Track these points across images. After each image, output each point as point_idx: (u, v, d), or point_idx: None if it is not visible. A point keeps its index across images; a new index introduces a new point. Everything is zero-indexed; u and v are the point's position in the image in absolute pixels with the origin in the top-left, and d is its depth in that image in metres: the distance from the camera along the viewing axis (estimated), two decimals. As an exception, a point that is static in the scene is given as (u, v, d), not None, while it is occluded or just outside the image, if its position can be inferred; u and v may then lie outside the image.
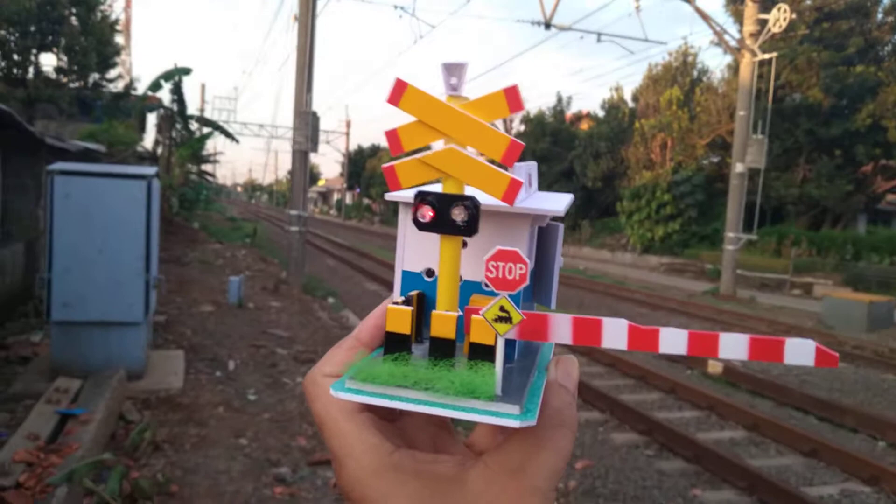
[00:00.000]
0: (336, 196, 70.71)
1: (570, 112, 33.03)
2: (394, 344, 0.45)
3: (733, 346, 0.41)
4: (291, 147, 12.72)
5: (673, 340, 0.42)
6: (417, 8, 14.20)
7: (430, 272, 0.52)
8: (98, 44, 17.12)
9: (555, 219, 0.54)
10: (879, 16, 22.41)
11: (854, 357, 9.66)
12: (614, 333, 0.43)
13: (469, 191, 0.45)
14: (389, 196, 0.50)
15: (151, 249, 5.45)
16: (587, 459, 5.37)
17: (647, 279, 20.10)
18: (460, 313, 0.46)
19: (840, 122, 21.14)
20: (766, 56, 15.01)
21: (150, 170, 5.65)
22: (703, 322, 12.20)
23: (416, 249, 0.53)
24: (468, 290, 0.50)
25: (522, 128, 32.88)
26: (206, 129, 21.66)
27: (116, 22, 18.96)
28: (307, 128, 12.15)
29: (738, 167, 15.90)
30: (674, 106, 24.77)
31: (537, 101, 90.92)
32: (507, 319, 0.41)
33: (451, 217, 0.44)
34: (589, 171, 27.90)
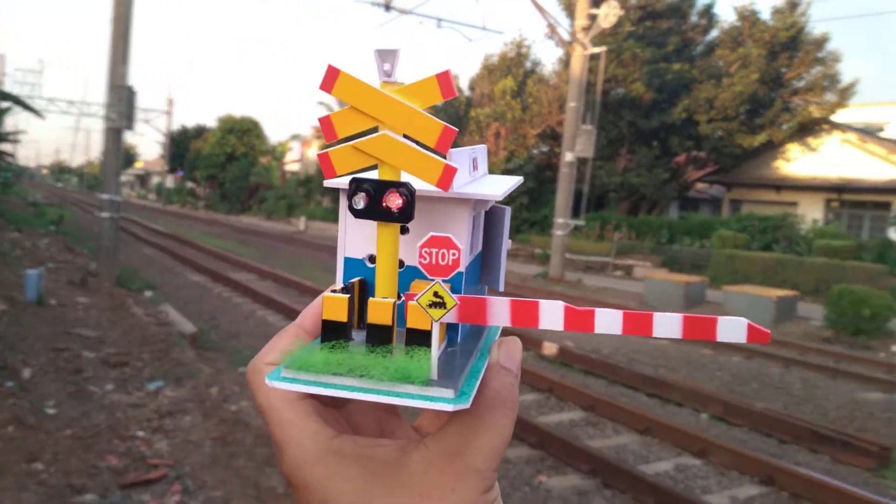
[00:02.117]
0: (156, 179, 66.30)
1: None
2: (331, 332, 0.46)
3: (668, 325, 0.42)
4: (104, 125, 11.49)
5: (608, 321, 0.43)
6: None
7: (372, 258, 0.52)
8: None
9: (503, 201, 0.54)
10: (694, 18, 24.24)
11: (675, 335, 10.27)
12: (551, 315, 0.44)
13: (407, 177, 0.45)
14: (327, 183, 0.50)
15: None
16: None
17: (482, 264, 20.46)
18: (400, 299, 0.47)
19: (658, 116, 22.66)
20: (596, 50, 15.63)
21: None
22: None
23: (358, 236, 0.52)
24: (411, 275, 0.50)
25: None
26: (3, 104, 19.24)
27: None
28: (122, 103, 11.00)
29: (568, 156, 16.48)
30: (507, 96, 25.40)
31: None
32: (442, 305, 0.42)
33: (385, 204, 0.44)
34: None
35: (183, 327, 8.08)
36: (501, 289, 0.57)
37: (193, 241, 20.83)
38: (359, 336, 0.47)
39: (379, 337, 0.44)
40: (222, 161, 43.20)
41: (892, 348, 10.20)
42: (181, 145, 51.04)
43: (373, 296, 0.46)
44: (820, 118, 22.55)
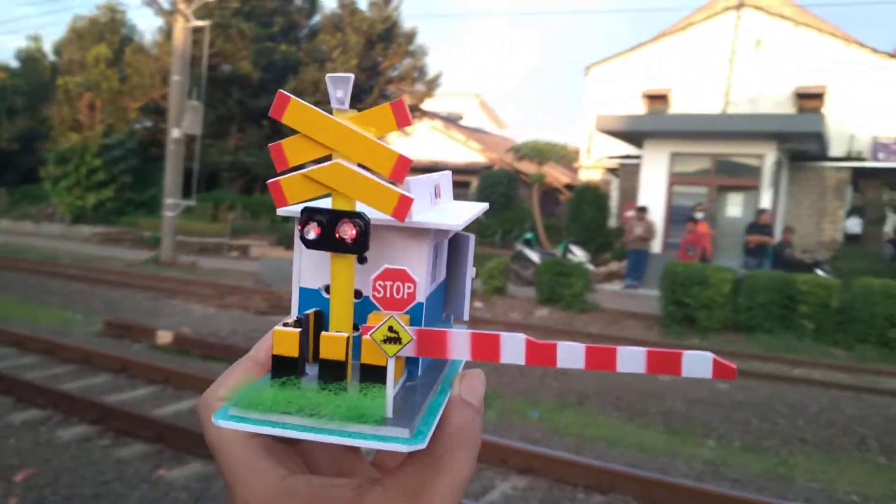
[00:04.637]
0: None
1: (-28, 59, 27.94)
2: (281, 368, 0.43)
3: (631, 360, 0.41)
4: None
5: (571, 354, 0.42)
6: None
7: (329, 288, 0.48)
8: None
9: (466, 229, 0.53)
10: (298, 1, 24.81)
11: (292, 311, 10.57)
12: (512, 348, 0.42)
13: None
14: (279, 212, 0.46)
15: None
16: (29, 468, 4.59)
17: (81, 251, 18.46)
18: (357, 332, 0.45)
19: (268, 95, 22.77)
20: (200, 23, 15.08)
21: None
22: (146, 291, 11.79)
23: (314, 265, 0.49)
24: (370, 307, 0.46)
25: None
26: None
27: None
28: None
29: (175, 133, 15.72)
30: (101, 64, 23.08)
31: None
32: (397, 340, 0.40)
33: (339, 234, 0.42)
34: (3, 129, 24.13)
35: None
36: (466, 318, 0.57)
37: None
38: (314, 371, 0.45)
39: (332, 373, 0.42)
40: None
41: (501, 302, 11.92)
42: None
43: (328, 329, 0.44)
44: (411, 106, 25.06)
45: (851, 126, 19.07)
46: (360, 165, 0.44)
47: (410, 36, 24.97)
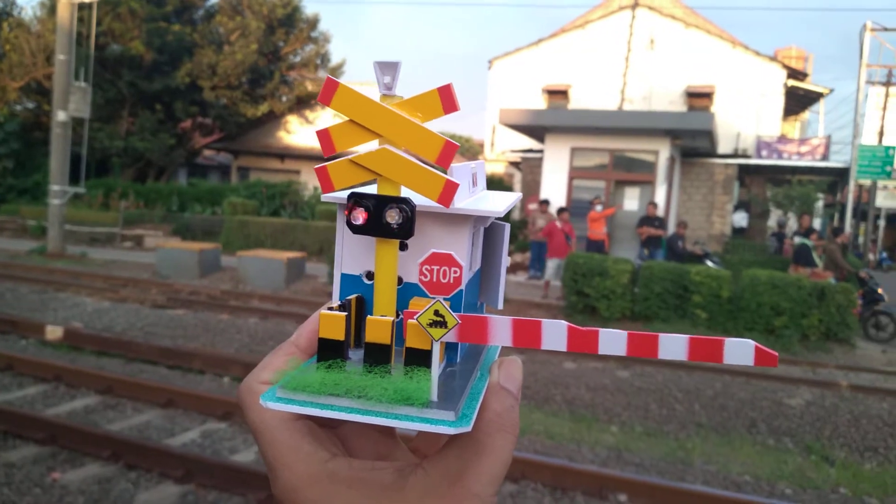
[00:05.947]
0: None
1: None
2: (327, 351, 0.44)
3: (673, 347, 0.41)
4: None
5: (612, 341, 0.42)
6: None
7: (370, 275, 0.50)
8: None
9: (501, 218, 0.53)
10: (194, -20, 23.82)
11: (192, 303, 10.21)
12: (553, 335, 0.43)
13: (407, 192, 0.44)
14: (324, 198, 0.47)
15: None
16: None
17: (-46, 241, 17.12)
18: (399, 317, 0.46)
19: (161, 78, 21.81)
20: (87, 0, 14.23)
21: None
22: (35, 284, 11.07)
23: (355, 251, 0.50)
24: (410, 293, 0.48)
25: None
26: None
27: None
28: None
29: (61, 115, 14.80)
30: (-25, 39, 21.43)
31: None
32: (443, 324, 0.41)
33: (385, 219, 0.43)
34: None
35: None
36: (500, 307, 0.57)
37: None
38: (356, 355, 0.46)
39: (377, 356, 0.43)
40: None
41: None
42: None
43: (370, 313, 0.45)
44: (315, 93, 24.62)
45: (737, 125, 20.19)
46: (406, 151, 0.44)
47: (313, 22, 24.49)
